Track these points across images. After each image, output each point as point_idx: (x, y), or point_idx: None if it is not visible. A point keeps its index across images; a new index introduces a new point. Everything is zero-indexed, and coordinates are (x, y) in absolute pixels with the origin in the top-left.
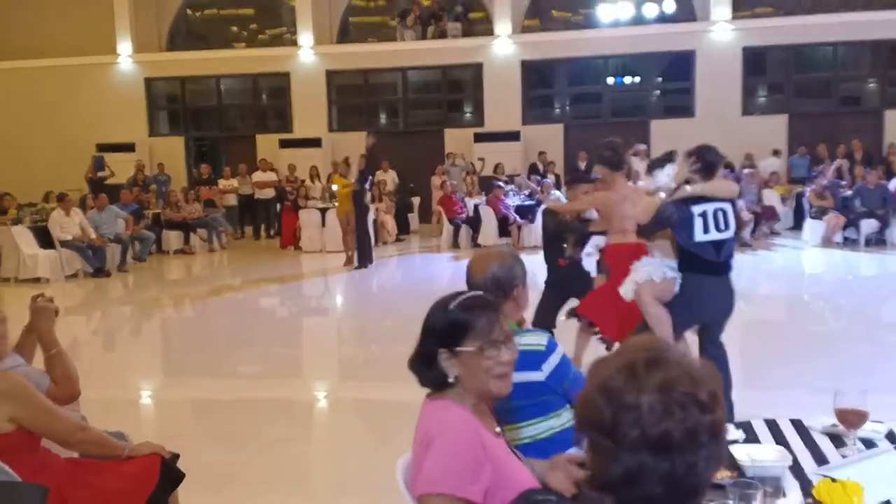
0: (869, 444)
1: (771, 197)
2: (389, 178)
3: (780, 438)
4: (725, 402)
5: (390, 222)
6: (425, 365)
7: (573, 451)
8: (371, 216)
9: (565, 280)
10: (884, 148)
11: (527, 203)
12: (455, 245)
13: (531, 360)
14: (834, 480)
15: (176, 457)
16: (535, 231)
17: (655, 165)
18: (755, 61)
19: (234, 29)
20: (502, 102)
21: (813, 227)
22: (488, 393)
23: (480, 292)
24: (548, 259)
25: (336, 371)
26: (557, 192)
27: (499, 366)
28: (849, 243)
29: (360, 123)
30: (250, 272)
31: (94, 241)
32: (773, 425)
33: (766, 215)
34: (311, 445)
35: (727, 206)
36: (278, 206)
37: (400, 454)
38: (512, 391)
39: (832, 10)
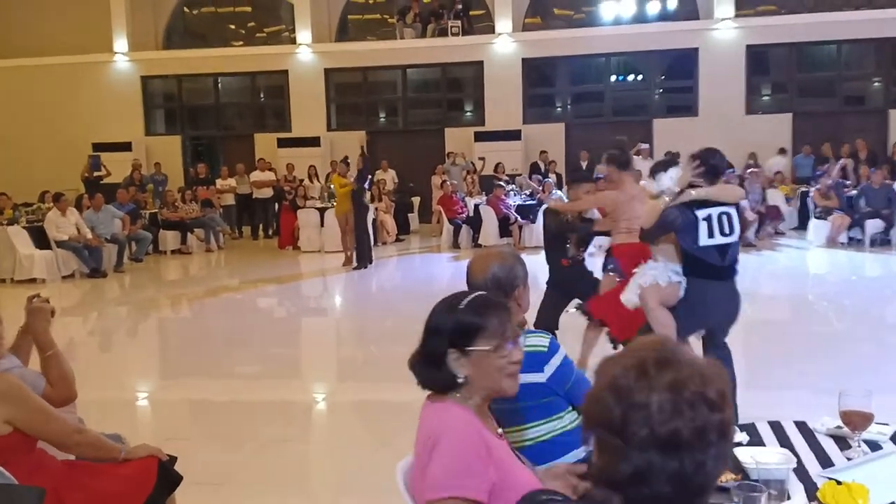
0: (874, 446)
1: (775, 197)
2: (389, 177)
3: (784, 440)
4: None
5: (390, 222)
6: (430, 366)
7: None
8: (370, 216)
9: (568, 280)
10: (888, 147)
11: (528, 203)
12: (455, 245)
13: (533, 361)
14: (839, 483)
15: (173, 459)
16: (536, 231)
17: (658, 168)
18: (758, 60)
19: (232, 27)
20: (503, 101)
21: (817, 227)
22: (499, 392)
23: (484, 292)
24: (550, 259)
25: (334, 372)
26: (559, 192)
27: (511, 364)
28: (853, 243)
29: (359, 122)
30: (248, 272)
31: (90, 242)
32: (777, 427)
33: (770, 215)
34: (309, 446)
35: (732, 210)
36: (276, 206)
37: (399, 455)
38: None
39: (836, 8)
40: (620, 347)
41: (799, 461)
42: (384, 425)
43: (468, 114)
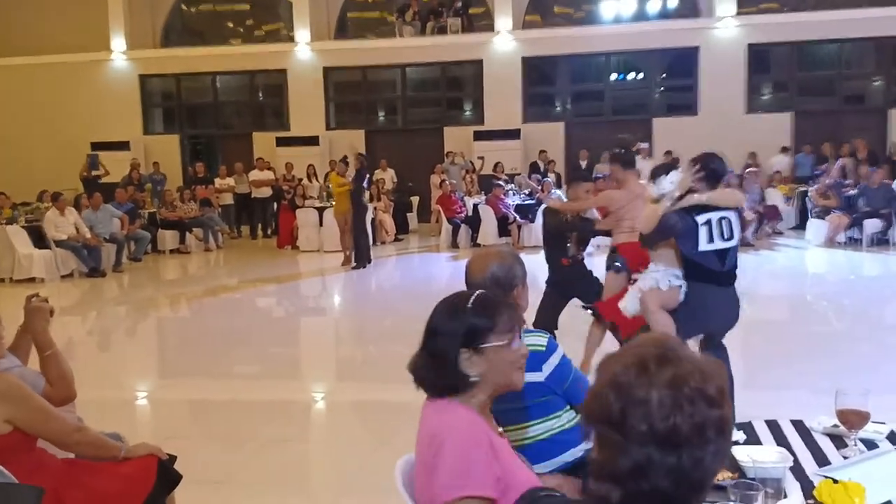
0: (870, 444)
1: (774, 196)
2: (388, 176)
3: (781, 439)
4: None
5: (389, 221)
6: (439, 368)
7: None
8: (369, 215)
9: (568, 279)
10: (888, 147)
11: (527, 202)
12: (454, 245)
13: (531, 360)
14: (835, 481)
15: (173, 458)
16: (535, 231)
17: (659, 172)
18: (759, 58)
19: (230, 25)
20: (502, 100)
21: (816, 227)
22: (510, 385)
23: (483, 290)
24: (550, 259)
25: (334, 371)
26: (558, 192)
27: (521, 357)
28: (852, 243)
29: (358, 121)
30: (247, 272)
31: (89, 241)
32: (774, 426)
33: (769, 215)
34: (308, 446)
35: (731, 215)
36: (275, 205)
37: (399, 455)
38: (508, 393)
39: (837, 6)
40: None
41: (796, 460)
42: (383, 424)
43: (467, 113)
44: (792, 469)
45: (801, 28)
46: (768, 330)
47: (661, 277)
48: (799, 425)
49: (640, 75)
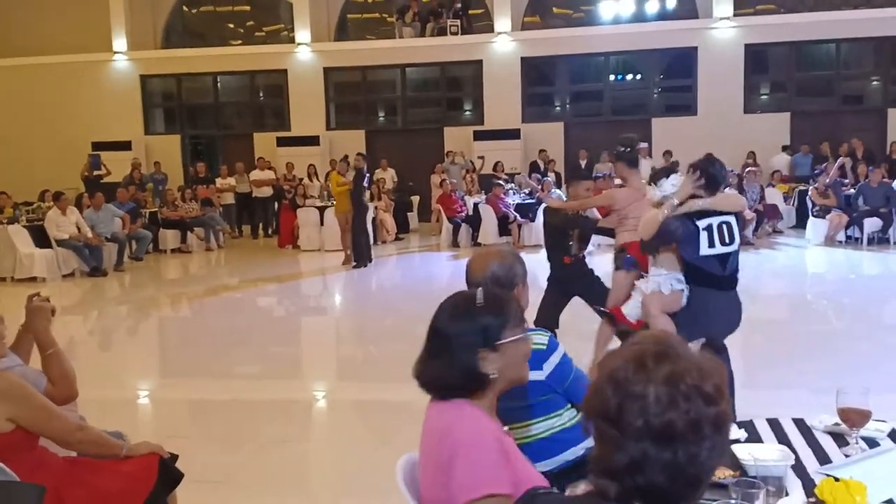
0: (871, 443)
1: (773, 195)
2: (388, 176)
3: (782, 438)
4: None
5: (389, 221)
6: (451, 372)
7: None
8: (370, 215)
9: (570, 277)
10: (887, 146)
11: (527, 202)
12: (454, 244)
13: (532, 359)
14: (836, 480)
15: (175, 457)
16: (535, 230)
17: (660, 175)
18: (757, 59)
19: (231, 26)
20: (502, 100)
21: (816, 226)
22: (521, 379)
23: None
24: (552, 257)
25: (334, 371)
26: (558, 191)
27: (530, 349)
28: (851, 242)
29: (359, 121)
30: (248, 271)
31: (90, 240)
32: (775, 424)
33: (768, 214)
34: (309, 446)
35: (731, 219)
36: (276, 205)
37: (399, 454)
38: (512, 391)
39: (835, 7)
40: None
41: (797, 458)
42: (384, 424)
43: (467, 113)
44: (793, 467)
45: (799, 28)
46: (769, 329)
47: (664, 281)
48: (800, 424)
49: (639, 76)
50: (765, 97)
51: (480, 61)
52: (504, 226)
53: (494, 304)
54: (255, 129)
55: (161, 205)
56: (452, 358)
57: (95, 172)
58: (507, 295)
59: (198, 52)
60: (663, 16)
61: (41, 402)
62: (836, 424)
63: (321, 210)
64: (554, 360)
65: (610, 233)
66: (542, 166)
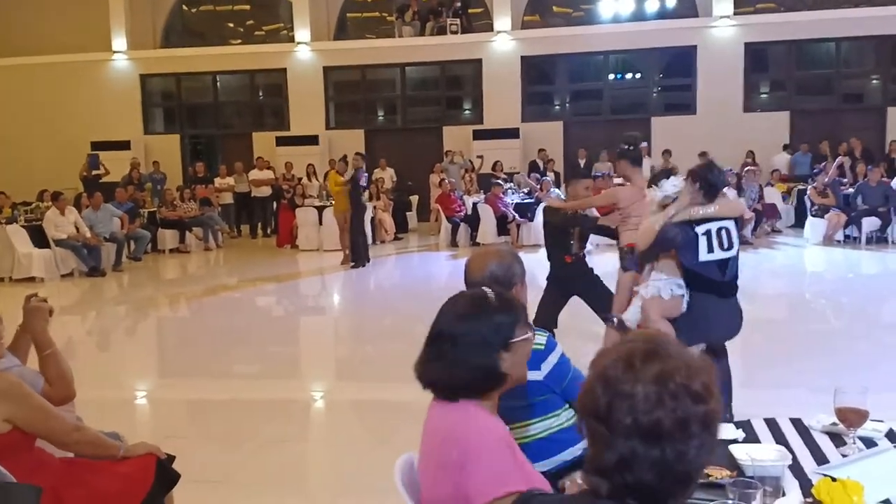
0: (869, 443)
1: (772, 195)
2: (387, 175)
3: (779, 437)
4: (725, 402)
5: (388, 220)
6: (470, 373)
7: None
8: (369, 214)
9: (571, 276)
10: (886, 145)
11: (526, 201)
12: (453, 243)
13: (530, 358)
14: (834, 479)
15: (172, 458)
16: (534, 229)
17: (660, 176)
18: (757, 58)
19: (231, 25)
20: (501, 99)
21: (814, 225)
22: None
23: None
24: (552, 256)
25: (333, 371)
26: (557, 191)
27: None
28: (850, 241)
29: (358, 121)
30: (246, 271)
31: (89, 240)
32: (772, 424)
33: (767, 213)
34: (307, 445)
35: (730, 225)
36: (275, 205)
37: (398, 454)
38: (513, 391)
39: (834, 5)
40: None
41: (794, 458)
42: (382, 423)
43: (467, 112)
44: (791, 467)
45: (799, 27)
46: (767, 328)
47: (664, 286)
48: (798, 423)
49: (639, 74)
50: (764, 96)
51: (480, 60)
52: (503, 225)
53: (506, 303)
54: (254, 129)
55: (160, 204)
56: (469, 359)
57: (94, 172)
58: (510, 294)
59: (197, 51)
60: (663, 14)
61: (39, 402)
62: (834, 424)
63: (320, 210)
64: (552, 360)
65: (609, 233)
66: (541, 166)
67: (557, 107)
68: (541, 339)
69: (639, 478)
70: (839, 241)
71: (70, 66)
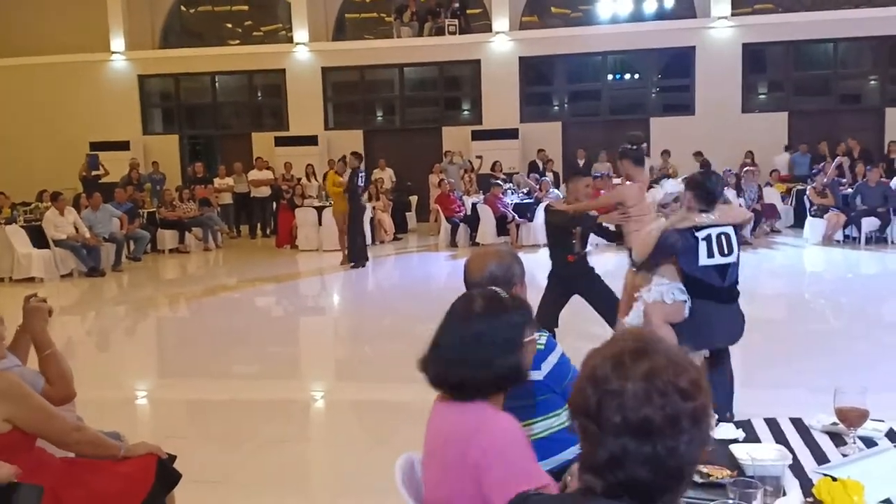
0: (869, 442)
1: (771, 195)
2: (387, 176)
3: (780, 437)
4: (727, 404)
5: (387, 221)
6: (492, 372)
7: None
8: (368, 214)
9: (573, 275)
10: (885, 145)
11: (525, 201)
12: (453, 244)
13: None
14: (834, 479)
15: (172, 458)
16: (533, 229)
17: (662, 176)
18: (755, 58)
19: (229, 26)
20: (500, 100)
21: (813, 225)
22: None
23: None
24: (554, 256)
25: (332, 371)
26: (556, 191)
27: None
28: (849, 241)
29: (357, 121)
30: (246, 271)
31: (88, 241)
32: (773, 424)
33: (766, 213)
34: (307, 446)
35: (730, 230)
36: (274, 205)
37: (397, 454)
38: (517, 390)
39: (832, 6)
40: None
41: (795, 458)
42: (382, 423)
43: (465, 112)
44: (791, 467)
45: (797, 28)
46: (767, 328)
47: (666, 291)
48: (798, 423)
49: (637, 75)
50: (763, 97)
51: (478, 61)
52: (502, 225)
53: (519, 302)
54: (253, 129)
55: (159, 205)
56: (495, 359)
57: (93, 172)
58: (519, 297)
59: (196, 51)
60: (661, 15)
61: (39, 402)
62: (834, 424)
63: (319, 210)
64: (552, 359)
65: (608, 235)
66: (540, 166)
67: (556, 107)
68: (540, 338)
69: (631, 474)
70: (838, 242)
71: (69, 66)
